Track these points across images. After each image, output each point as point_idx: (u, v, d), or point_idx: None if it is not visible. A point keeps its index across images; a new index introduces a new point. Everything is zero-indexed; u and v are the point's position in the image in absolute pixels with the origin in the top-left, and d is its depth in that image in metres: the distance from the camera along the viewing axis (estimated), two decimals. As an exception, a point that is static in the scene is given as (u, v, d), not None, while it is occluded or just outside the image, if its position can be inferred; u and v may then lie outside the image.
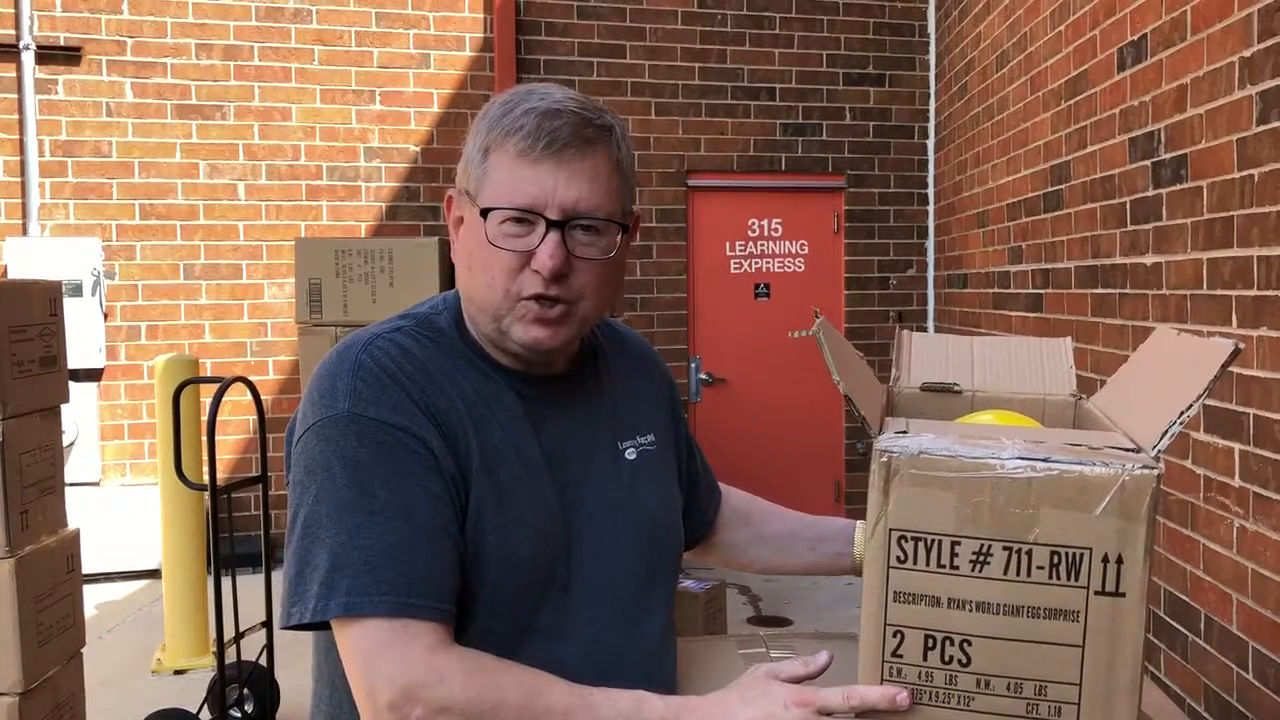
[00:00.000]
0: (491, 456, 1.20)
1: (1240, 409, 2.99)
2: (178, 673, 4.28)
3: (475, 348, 1.27)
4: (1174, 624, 3.46)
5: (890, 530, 0.99)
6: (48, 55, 5.73)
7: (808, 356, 6.35)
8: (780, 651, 1.41)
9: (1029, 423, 1.33)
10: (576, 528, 1.24)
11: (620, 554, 1.27)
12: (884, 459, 0.98)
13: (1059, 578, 0.96)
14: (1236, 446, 3.02)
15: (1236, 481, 3.03)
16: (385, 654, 1.08)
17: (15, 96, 5.68)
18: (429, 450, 1.15)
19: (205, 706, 3.53)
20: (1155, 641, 3.60)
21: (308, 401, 1.21)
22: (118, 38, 5.83)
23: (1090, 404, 1.36)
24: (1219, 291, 3.11)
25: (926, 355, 1.53)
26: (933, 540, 0.99)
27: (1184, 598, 3.38)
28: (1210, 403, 3.14)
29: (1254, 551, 2.94)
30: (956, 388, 1.43)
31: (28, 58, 5.66)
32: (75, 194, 5.82)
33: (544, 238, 1.17)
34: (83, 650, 2.56)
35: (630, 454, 1.32)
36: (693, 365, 6.38)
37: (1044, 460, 0.96)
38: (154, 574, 5.26)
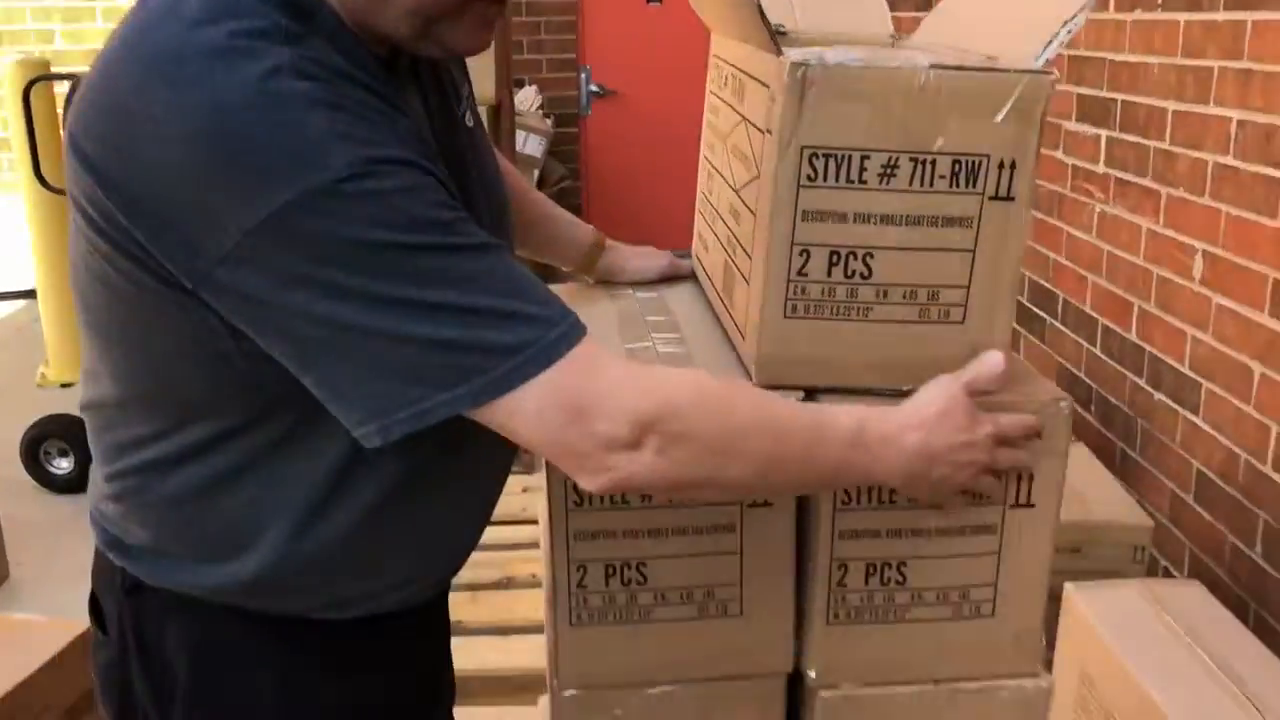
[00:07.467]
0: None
1: (1109, 95, 3.10)
2: (64, 386, 4.27)
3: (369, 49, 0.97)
4: (1035, 309, 3.71)
5: (802, 148, 1.01)
6: None
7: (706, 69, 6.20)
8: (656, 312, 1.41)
9: None
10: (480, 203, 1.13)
11: (504, 216, 1.19)
12: (799, 73, 0.98)
13: (959, 185, 1.02)
14: (1104, 133, 3.15)
15: (1101, 168, 3.18)
16: (594, 390, 0.91)
17: None
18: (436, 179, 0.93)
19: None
20: (1017, 327, 3.87)
21: (247, 172, 0.82)
22: None
23: (912, 44, 1.31)
24: (1102, -20, 3.14)
25: None
26: (844, 156, 1.02)
27: (1045, 284, 3.61)
28: (1081, 91, 3.24)
29: (1111, 233, 3.14)
30: (783, 29, 1.36)
31: None
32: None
33: None
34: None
35: (469, 120, 1.18)
36: (582, 76, 6.20)
37: (955, 69, 0.99)
38: (31, 294, 5.09)
